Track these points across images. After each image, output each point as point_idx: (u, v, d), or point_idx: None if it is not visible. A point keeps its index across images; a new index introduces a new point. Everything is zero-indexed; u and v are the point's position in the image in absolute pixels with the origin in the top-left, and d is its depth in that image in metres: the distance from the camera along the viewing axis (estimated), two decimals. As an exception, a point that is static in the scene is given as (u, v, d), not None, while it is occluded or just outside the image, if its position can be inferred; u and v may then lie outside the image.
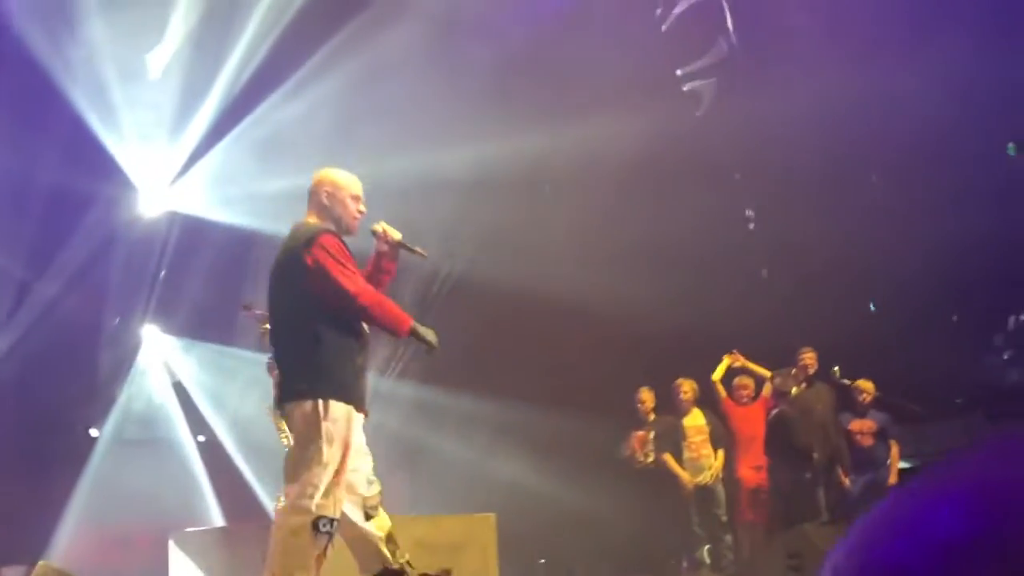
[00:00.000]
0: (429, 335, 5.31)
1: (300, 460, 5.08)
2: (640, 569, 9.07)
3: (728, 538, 9.98)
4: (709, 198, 11.69)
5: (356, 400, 5.19)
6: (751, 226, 12.77)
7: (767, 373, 10.02)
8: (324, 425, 5.06)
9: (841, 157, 11.35)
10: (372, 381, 11.18)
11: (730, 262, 12.06)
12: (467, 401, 11.04)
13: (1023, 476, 0.43)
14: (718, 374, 10.18)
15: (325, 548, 5.04)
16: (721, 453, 10.14)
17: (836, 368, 9.96)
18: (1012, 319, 12.38)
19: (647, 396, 10.37)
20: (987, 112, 11.66)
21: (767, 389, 10.07)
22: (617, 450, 10.27)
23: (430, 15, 11.21)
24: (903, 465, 10.45)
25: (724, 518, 10.11)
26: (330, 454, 5.05)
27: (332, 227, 5.31)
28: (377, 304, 5.24)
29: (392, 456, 10.86)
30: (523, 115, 11.11)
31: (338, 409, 5.11)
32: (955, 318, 10.19)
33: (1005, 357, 11.86)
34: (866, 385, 9.92)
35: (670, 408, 10.33)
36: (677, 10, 11.23)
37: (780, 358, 9.87)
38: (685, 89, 11.92)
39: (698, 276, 11.35)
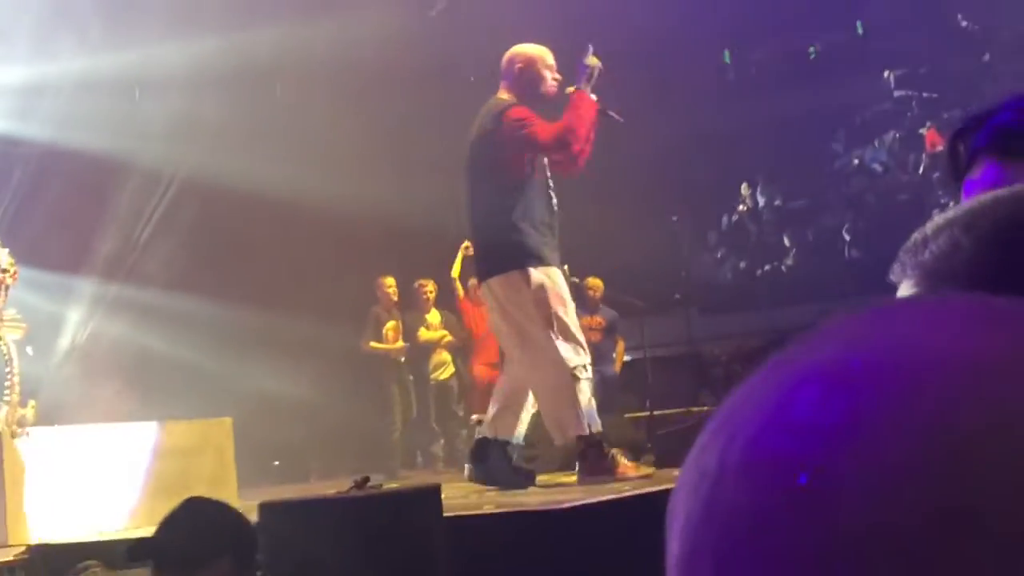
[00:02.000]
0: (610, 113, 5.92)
1: None
2: (377, 467, 9.22)
3: (464, 432, 10.26)
4: (445, 99, 11.74)
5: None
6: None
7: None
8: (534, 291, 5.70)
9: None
10: (96, 288, 10.79)
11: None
12: (197, 305, 10.79)
13: (881, 353, 0.43)
14: (456, 270, 10.35)
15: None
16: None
17: (566, 266, 10.29)
18: (725, 219, 13.14)
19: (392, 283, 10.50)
20: (706, 19, 12.18)
21: None
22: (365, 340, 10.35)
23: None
24: (627, 358, 11.00)
25: (460, 413, 10.39)
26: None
27: (518, 100, 5.86)
28: (567, 130, 5.76)
29: (121, 363, 10.54)
30: (251, 12, 10.76)
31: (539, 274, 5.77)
32: (675, 218, 10.70)
33: (718, 255, 12.61)
34: (595, 282, 10.32)
35: (413, 305, 10.51)
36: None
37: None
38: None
39: (437, 177, 11.43)
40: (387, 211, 10.99)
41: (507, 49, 6.22)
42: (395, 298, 10.41)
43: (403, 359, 10.36)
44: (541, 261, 5.80)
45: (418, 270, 10.74)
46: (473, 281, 10.46)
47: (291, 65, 11.34)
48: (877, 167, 12.53)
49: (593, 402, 5.83)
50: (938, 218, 0.87)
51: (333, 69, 11.26)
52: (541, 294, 5.76)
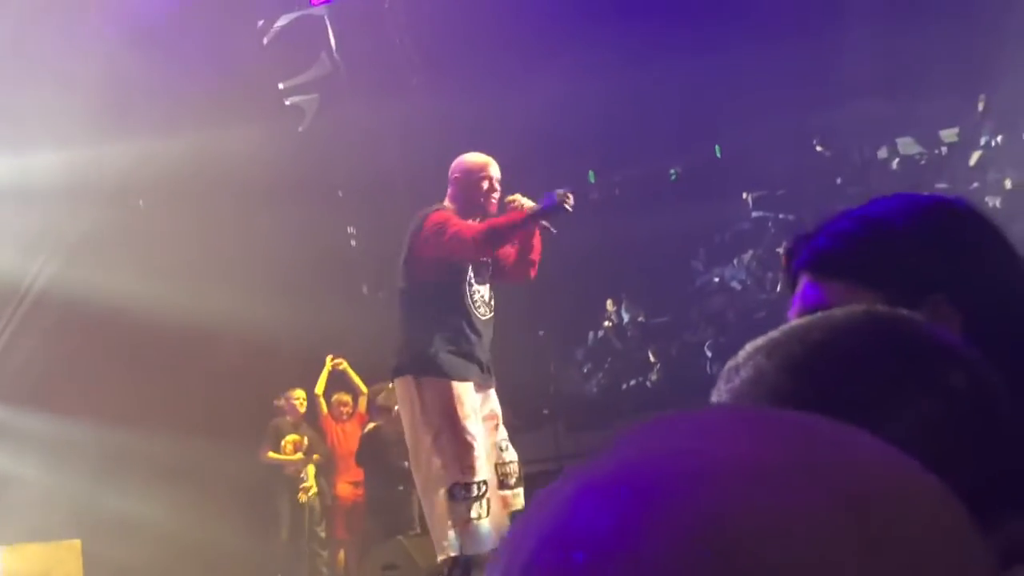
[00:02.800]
0: (548, 210, 5.69)
1: None
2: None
3: (325, 554, 10.01)
4: (313, 214, 11.71)
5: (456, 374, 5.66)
6: (353, 243, 12.92)
7: (364, 389, 10.15)
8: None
9: (438, 176, 11.72)
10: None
11: (333, 278, 12.13)
12: (50, 422, 10.39)
13: (656, 466, 0.44)
14: (320, 387, 10.21)
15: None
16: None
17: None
18: (591, 334, 13.30)
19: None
20: (570, 139, 12.48)
21: (363, 404, 10.19)
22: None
23: (22, 8, 10.48)
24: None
25: (323, 534, 10.14)
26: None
27: (454, 208, 5.73)
28: (489, 229, 5.58)
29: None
30: (118, 125, 10.64)
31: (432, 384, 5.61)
32: (541, 332, 10.78)
33: (584, 370, 12.70)
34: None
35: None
36: (279, 24, 11.17)
37: (380, 374, 10.04)
38: (288, 103, 11.88)
39: (302, 292, 11.32)
40: (251, 327, 10.82)
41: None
42: (302, 411, 10.22)
43: (302, 475, 10.12)
44: (438, 372, 5.67)
45: (283, 386, 10.56)
46: (336, 397, 10.32)
47: (155, 179, 11.19)
48: (736, 285, 12.87)
49: (482, 523, 5.61)
50: (748, 345, 0.91)
51: (199, 183, 11.15)
52: (429, 405, 5.66)
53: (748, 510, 0.45)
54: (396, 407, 9.87)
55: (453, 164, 5.98)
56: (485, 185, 5.85)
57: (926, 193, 1.67)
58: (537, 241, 5.95)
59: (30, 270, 10.91)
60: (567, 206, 5.77)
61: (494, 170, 5.90)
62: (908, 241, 1.39)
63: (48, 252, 10.68)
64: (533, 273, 6.02)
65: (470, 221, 5.75)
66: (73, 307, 10.66)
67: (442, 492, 5.57)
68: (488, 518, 5.60)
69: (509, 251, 5.93)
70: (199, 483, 10.69)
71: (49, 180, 10.43)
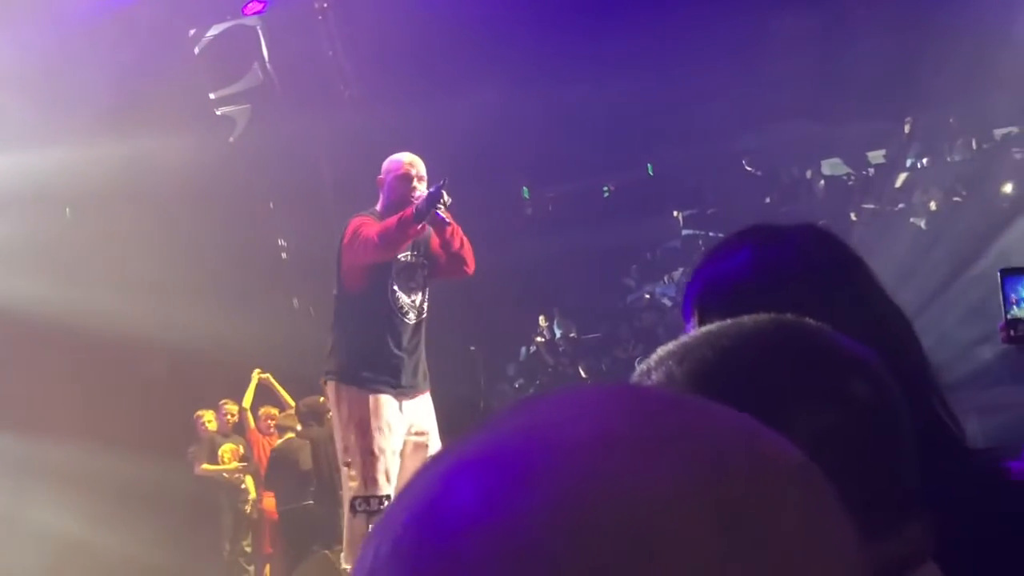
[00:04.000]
0: (432, 202, 5.51)
1: None
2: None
3: (252, 569, 9.89)
4: (243, 225, 11.60)
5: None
6: (283, 255, 12.81)
7: (292, 402, 10.04)
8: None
9: (370, 191, 11.68)
10: None
11: (263, 290, 12.02)
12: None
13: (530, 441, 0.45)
14: (247, 400, 10.11)
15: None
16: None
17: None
18: (523, 349, 13.32)
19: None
20: (506, 154, 12.52)
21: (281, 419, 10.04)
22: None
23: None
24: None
25: (248, 549, 10.01)
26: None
27: (380, 211, 5.65)
28: (383, 227, 5.47)
29: None
30: (46, 130, 10.46)
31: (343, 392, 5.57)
32: (472, 347, 10.77)
33: (516, 386, 12.71)
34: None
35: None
36: (211, 33, 11.06)
37: (309, 387, 9.94)
38: (219, 113, 11.75)
39: (231, 304, 11.20)
40: (179, 337, 10.67)
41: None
42: (232, 422, 10.11)
43: (243, 485, 9.96)
44: (352, 380, 5.59)
45: (212, 397, 10.43)
46: (264, 410, 10.20)
47: (83, 187, 11.01)
48: (667, 302, 12.97)
49: None
50: (660, 350, 0.93)
51: (128, 192, 10.99)
52: (345, 414, 5.60)
53: (607, 480, 0.46)
54: (328, 413, 9.82)
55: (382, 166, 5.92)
56: (409, 182, 5.70)
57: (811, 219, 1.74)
58: (457, 236, 5.74)
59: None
60: (444, 196, 5.59)
61: (418, 167, 5.76)
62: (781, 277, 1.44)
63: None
64: (469, 268, 5.91)
65: (373, 222, 5.68)
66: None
67: (346, 504, 5.52)
68: None
69: (438, 250, 5.85)
70: (125, 494, 10.49)
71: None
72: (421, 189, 5.66)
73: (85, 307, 10.37)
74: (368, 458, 5.52)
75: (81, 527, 10.38)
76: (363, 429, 5.53)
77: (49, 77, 10.65)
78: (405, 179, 5.71)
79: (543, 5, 12.04)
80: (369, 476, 5.49)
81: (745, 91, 12.31)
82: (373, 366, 5.63)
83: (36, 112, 10.47)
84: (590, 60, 12.08)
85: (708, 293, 1.44)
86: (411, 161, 5.80)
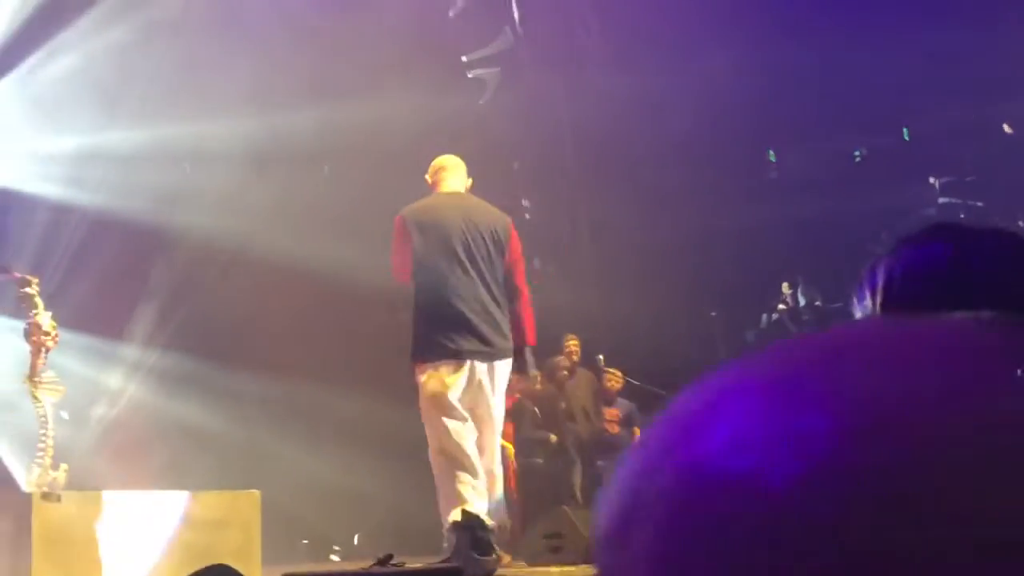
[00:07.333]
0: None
1: None
2: (403, 546, 9.12)
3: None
4: (488, 186, 11.83)
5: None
6: (527, 216, 13.01)
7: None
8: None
9: (611, 153, 11.72)
10: (135, 356, 10.84)
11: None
12: (237, 376, 10.83)
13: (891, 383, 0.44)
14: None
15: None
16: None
17: (601, 356, 10.26)
18: (764, 316, 13.08)
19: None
20: (751, 116, 12.28)
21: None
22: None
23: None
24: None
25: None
26: None
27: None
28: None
29: (154, 431, 10.57)
30: (303, 88, 10.96)
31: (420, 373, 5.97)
32: (713, 313, 10.68)
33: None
34: (613, 373, 10.23)
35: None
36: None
37: (547, 346, 10.11)
38: (470, 76, 12.02)
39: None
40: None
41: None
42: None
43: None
44: (423, 358, 5.94)
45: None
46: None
47: (340, 145, 11.49)
48: (918, 272, 12.45)
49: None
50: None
51: (377, 149, 11.38)
52: (422, 392, 5.89)
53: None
54: (563, 371, 9.95)
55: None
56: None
57: None
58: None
59: (220, 233, 11.33)
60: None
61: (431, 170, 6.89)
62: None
63: (237, 215, 11.07)
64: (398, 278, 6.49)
65: None
66: (262, 268, 11.05)
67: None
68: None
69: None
70: (375, 438, 10.89)
71: (236, 143, 10.83)
72: None
73: (340, 260, 10.81)
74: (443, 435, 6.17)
75: (332, 468, 10.87)
76: (436, 409, 6.13)
77: (310, 38, 11.11)
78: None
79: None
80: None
81: (1012, 51, 11.64)
82: (445, 340, 6.15)
83: (298, 73, 10.96)
84: (844, 20, 11.70)
85: (899, 280, 1.39)
86: (446, 160, 6.98)
